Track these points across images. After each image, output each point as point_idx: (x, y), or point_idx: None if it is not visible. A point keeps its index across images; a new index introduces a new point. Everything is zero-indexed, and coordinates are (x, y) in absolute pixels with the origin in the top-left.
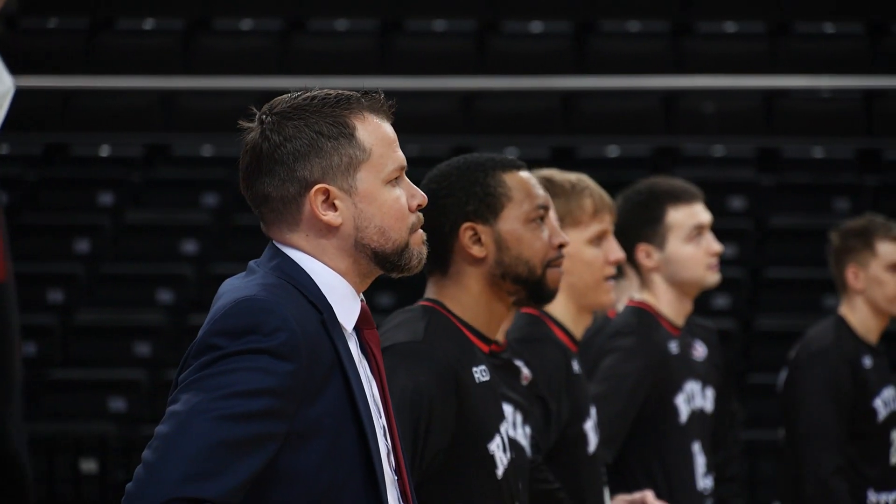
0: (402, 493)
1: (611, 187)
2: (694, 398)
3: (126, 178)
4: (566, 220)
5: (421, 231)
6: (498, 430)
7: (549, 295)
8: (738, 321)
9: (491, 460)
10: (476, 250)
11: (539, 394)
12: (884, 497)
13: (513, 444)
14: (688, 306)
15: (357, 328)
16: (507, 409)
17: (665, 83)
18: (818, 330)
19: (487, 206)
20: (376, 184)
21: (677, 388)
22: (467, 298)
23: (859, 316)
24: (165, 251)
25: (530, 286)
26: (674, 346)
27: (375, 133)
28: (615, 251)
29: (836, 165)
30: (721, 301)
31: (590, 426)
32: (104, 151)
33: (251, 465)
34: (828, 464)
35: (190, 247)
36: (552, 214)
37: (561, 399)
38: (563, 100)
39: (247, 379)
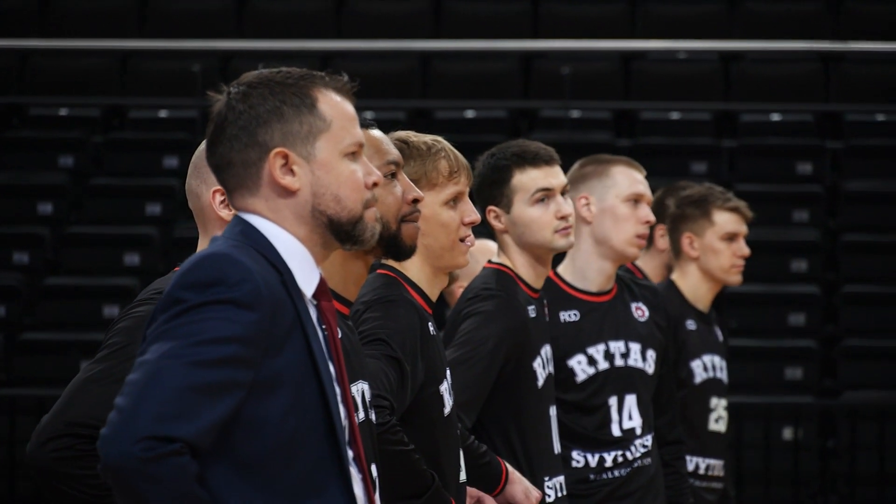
0: (357, 458)
1: (468, 150)
2: (548, 363)
3: None
4: (422, 183)
5: (375, 209)
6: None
7: (407, 250)
8: None
9: None
10: None
11: (394, 355)
12: (702, 462)
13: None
14: (543, 270)
15: (316, 300)
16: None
17: (522, 46)
18: None
19: None
20: (334, 154)
21: (535, 352)
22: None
23: (690, 282)
24: (21, 212)
25: (386, 242)
26: (531, 310)
27: (336, 108)
28: (471, 213)
29: (693, 128)
30: None
31: (445, 388)
32: None
33: (220, 410)
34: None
35: (46, 208)
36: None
37: (416, 360)
38: (421, 62)
39: (214, 327)
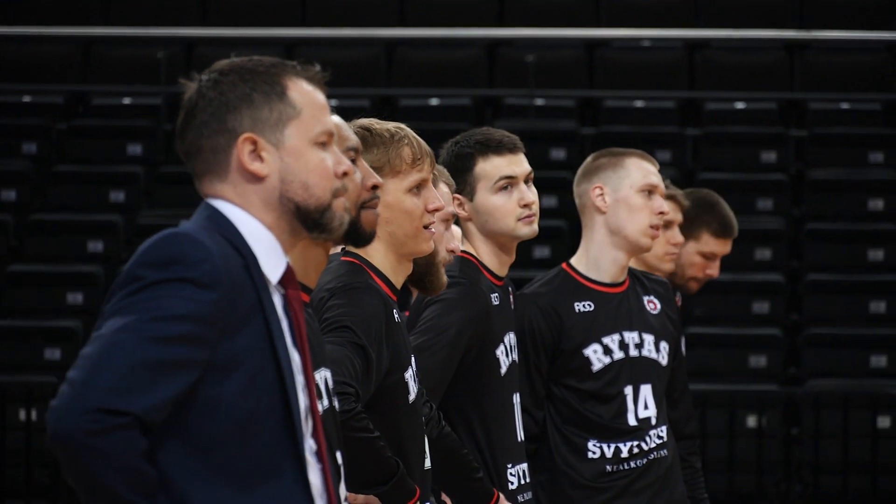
0: (319, 453)
1: (433, 137)
2: (512, 351)
3: None
4: (385, 170)
5: (344, 198)
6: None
7: (366, 237)
8: None
9: None
10: None
11: (359, 342)
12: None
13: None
14: (507, 258)
15: (283, 287)
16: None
17: (487, 34)
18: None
19: None
20: (304, 142)
21: (498, 339)
22: None
23: None
24: None
25: (345, 229)
26: (495, 298)
27: (307, 96)
28: (434, 200)
29: (657, 116)
30: (541, 252)
31: (410, 375)
32: None
33: (172, 387)
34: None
35: (9, 195)
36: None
37: (381, 347)
38: (386, 50)
39: (170, 305)
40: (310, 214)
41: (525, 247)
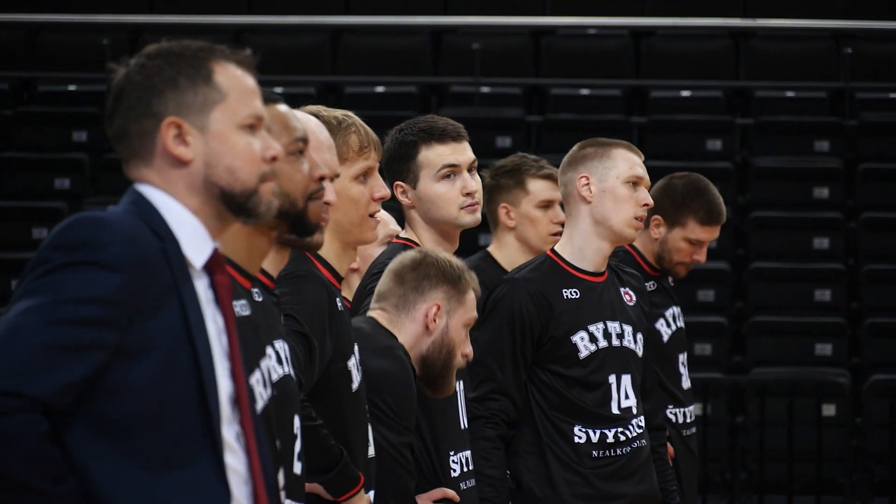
0: (247, 440)
1: (378, 125)
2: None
3: None
4: None
5: (273, 183)
6: (258, 365)
7: (312, 228)
8: None
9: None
10: None
11: (302, 331)
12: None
13: (283, 380)
14: (450, 245)
15: (210, 273)
16: (280, 344)
17: (433, 21)
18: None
19: None
20: (229, 126)
21: None
22: (226, 233)
23: (507, 252)
24: None
25: (292, 219)
26: None
27: (234, 80)
28: (380, 188)
29: (603, 105)
30: (486, 239)
31: (353, 364)
32: None
33: (77, 370)
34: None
35: None
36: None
37: (324, 336)
38: (331, 37)
39: (77, 288)
40: (235, 199)
41: (469, 234)
